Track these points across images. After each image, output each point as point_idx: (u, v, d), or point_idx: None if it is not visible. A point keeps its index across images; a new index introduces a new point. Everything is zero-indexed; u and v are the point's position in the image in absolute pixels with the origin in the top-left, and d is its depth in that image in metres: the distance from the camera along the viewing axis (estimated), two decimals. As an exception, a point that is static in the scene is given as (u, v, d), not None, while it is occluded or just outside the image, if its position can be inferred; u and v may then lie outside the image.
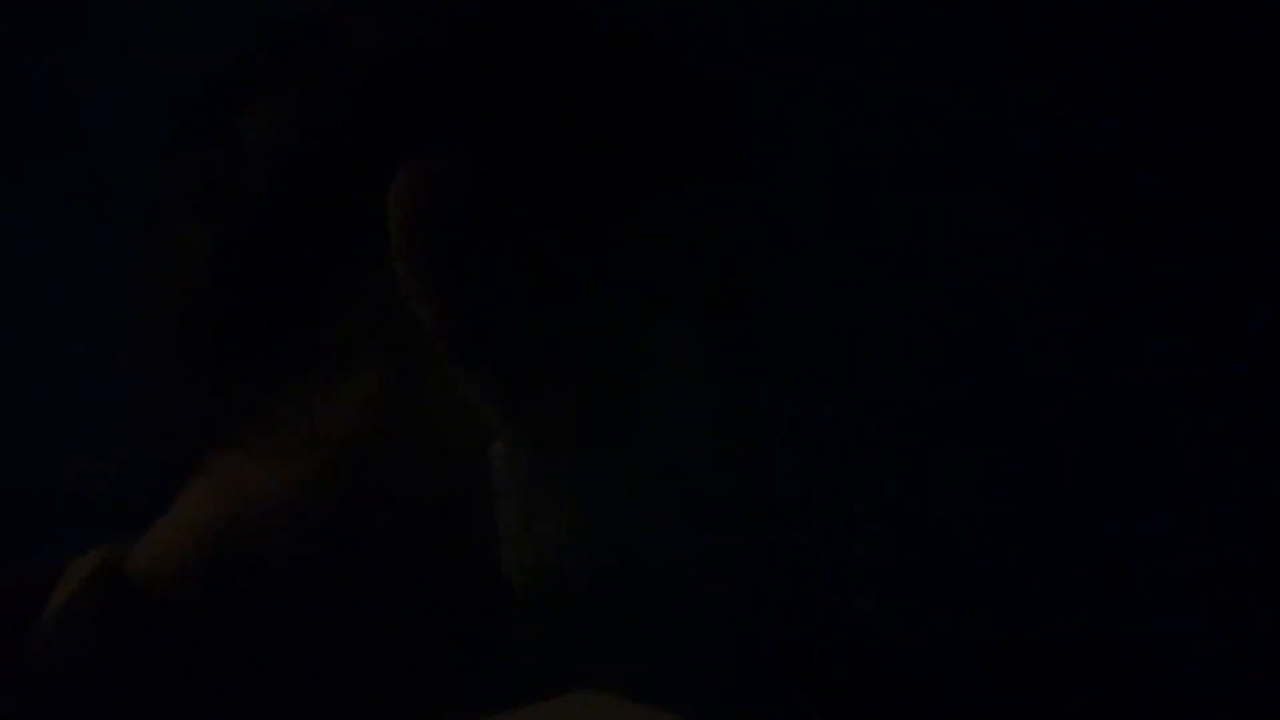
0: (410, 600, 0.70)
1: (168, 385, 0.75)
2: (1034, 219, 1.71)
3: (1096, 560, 1.35)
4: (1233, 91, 1.59)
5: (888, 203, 1.92)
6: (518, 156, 0.70)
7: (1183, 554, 1.42)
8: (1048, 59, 1.68)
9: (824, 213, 1.96)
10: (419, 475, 0.71)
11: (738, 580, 0.77)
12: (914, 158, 1.83)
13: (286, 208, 0.73)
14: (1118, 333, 1.66)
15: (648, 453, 0.72)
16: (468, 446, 0.70)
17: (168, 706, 0.65)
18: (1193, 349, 1.57)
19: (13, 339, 1.51)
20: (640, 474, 0.72)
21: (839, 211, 1.98)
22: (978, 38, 1.68)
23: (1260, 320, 1.59)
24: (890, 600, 1.52)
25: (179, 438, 0.75)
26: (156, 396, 0.76)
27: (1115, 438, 1.54)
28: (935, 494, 1.56)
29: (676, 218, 0.74)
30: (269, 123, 0.73)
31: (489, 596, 0.69)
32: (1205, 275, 1.62)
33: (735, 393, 0.77)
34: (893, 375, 1.79)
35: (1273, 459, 1.50)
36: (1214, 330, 1.60)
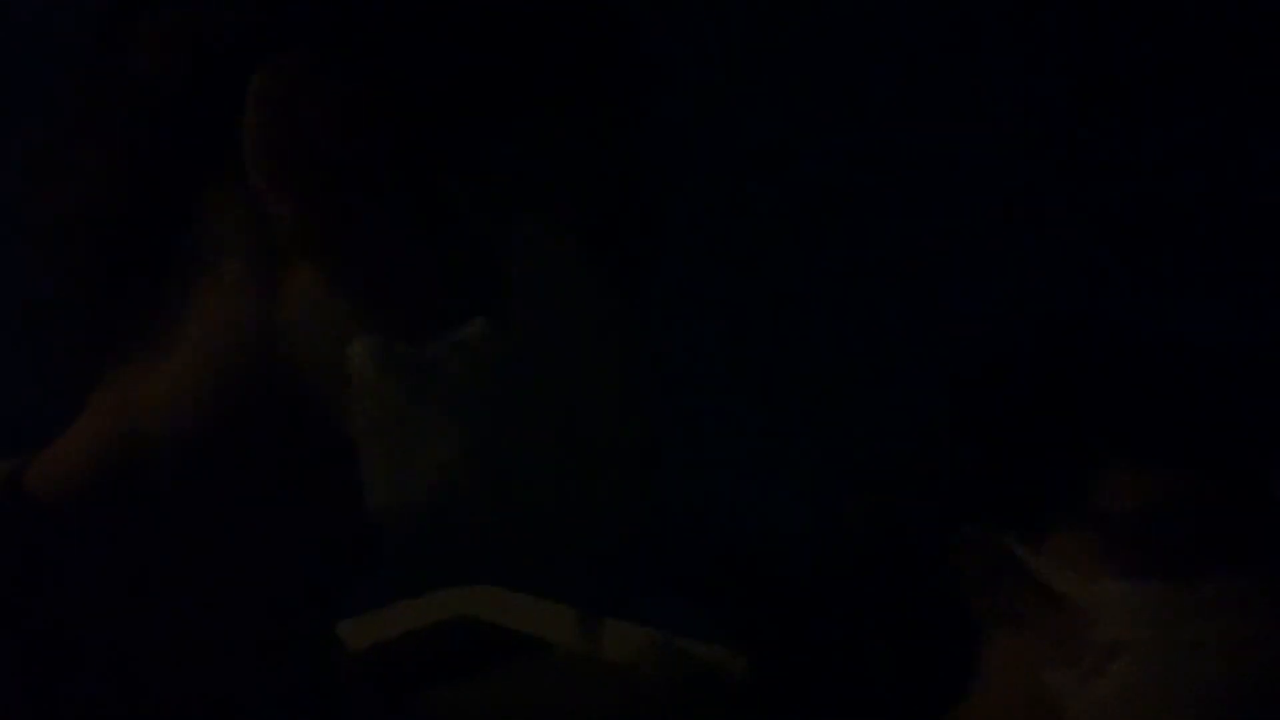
0: (280, 507, 0.72)
1: (62, 302, 0.76)
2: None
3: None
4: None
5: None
6: (374, 57, 0.70)
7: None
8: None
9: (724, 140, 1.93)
10: (285, 379, 0.71)
11: (624, 507, 0.77)
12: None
13: (162, 121, 0.72)
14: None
15: (523, 362, 0.71)
16: (328, 346, 0.71)
17: (65, 618, 0.68)
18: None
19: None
20: (511, 385, 0.71)
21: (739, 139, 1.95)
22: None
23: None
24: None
25: (75, 353, 0.76)
26: (51, 312, 0.77)
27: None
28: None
29: (558, 131, 0.73)
30: (147, 41, 0.73)
31: (354, 517, 0.72)
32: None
33: (625, 314, 0.76)
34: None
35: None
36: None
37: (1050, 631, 1.23)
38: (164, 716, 0.70)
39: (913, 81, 1.92)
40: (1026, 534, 1.24)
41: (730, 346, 2.06)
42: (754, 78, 2.02)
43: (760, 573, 1.40)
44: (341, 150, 0.69)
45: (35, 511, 0.71)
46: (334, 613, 0.81)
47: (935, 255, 1.93)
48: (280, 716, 0.75)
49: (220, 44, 0.71)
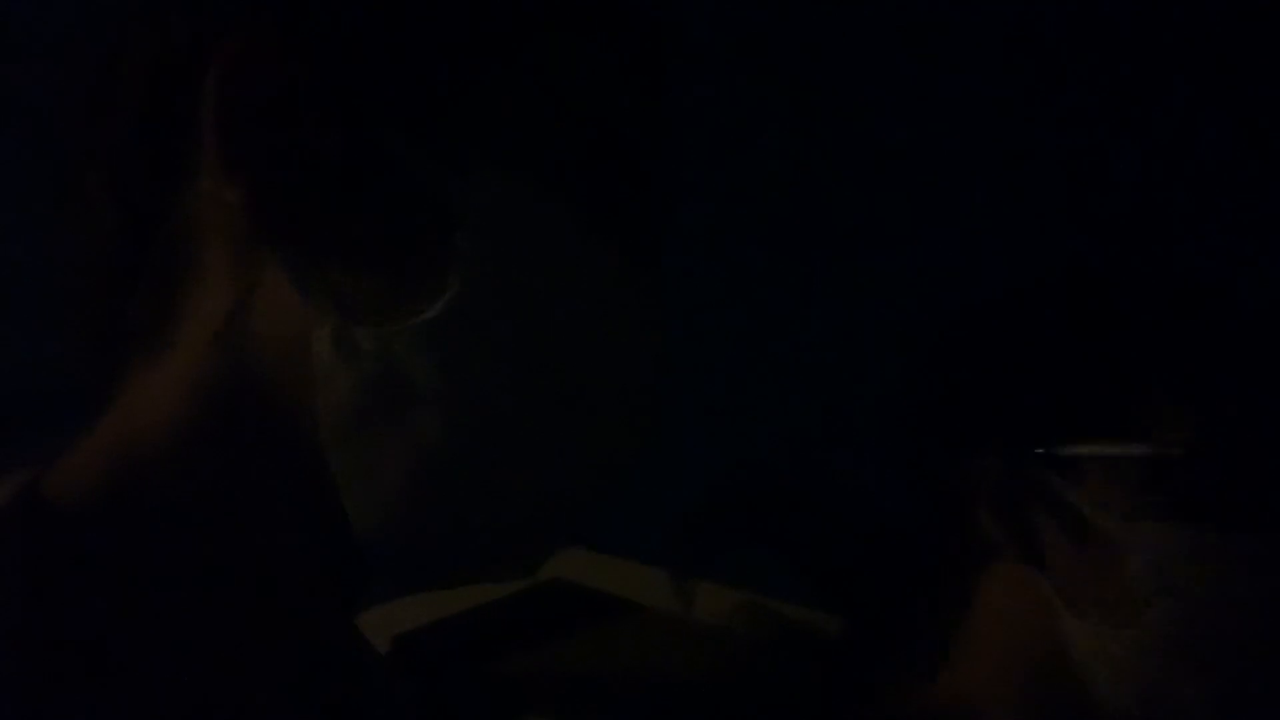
0: (274, 508, 0.72)
1: (78, 305, 0.77)
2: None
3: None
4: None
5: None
6: (325, 36, 0.69)
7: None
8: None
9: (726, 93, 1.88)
10: (259, 377, 0.71)
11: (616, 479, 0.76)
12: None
13: (135, 117, 0.73)
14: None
15: (497, 341, 0.70)
16: (294, 341, 0.70)
17: (85, 626, 0.67)
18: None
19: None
20: (485, 366, 0.69)
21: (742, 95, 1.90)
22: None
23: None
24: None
25: (88, 358, 0.76)
26: (69, 315, 0.77)
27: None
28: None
29: (536, 92, 0.71)
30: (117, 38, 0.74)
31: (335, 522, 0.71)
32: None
33: (623, 284, 0.74)
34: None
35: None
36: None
37: (1077, 574, 1.18)
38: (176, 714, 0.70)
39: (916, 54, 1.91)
40: (1060, 466, 1.18)
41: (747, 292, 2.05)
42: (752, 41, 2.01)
43: (837, 522, 1.40)
44: (288, 130, 0.68)
45: (54, 520, 0.70)
46: (349, 610, 0.80)
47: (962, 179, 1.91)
48: (297, 716, 0.75)
49: (180, 38, 0.71)
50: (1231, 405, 1.18)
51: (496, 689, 1.73)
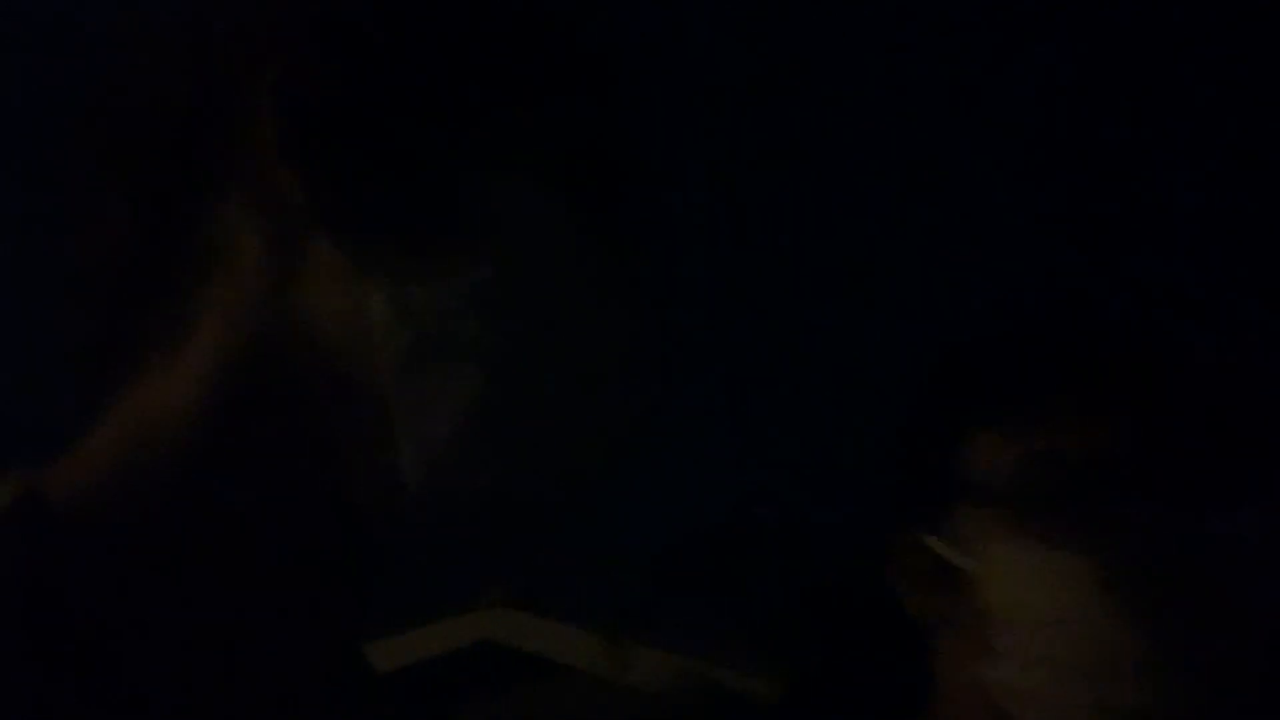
0: (309, 491, 0.72)
1: (84, 306, 0.77)
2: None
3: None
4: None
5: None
6: (371, 55, 0.74)
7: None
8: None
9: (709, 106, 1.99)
10: (306, 355, 0.72)
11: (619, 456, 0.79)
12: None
13: (165, 115, 0.74)
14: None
15: (520, 311, 0.74)
16: (349, 312, 0.72)
17: (92, 626, 0.68)
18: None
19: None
20: (515, 332, 0.73)
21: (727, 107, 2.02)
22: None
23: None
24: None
25: (89, 361, 0.76)
26: (71, 318, 0.77)
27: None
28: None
29: (548, 107, 0.76)
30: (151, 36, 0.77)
31: (386, 481, 0.71)
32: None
33: (617, 270, 0.78)
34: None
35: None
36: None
37: (973, 620, 1.20)
38: (180, 711, 0.68)
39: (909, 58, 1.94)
40: (936, 525, 1.22)
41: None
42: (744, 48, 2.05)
43: (783, 579, 1.40)
44: (343, 122, 0.71)
45: (59, 522, 0.70)
46: (359, 621, 0.80)
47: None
48: None
49: (218, 50, 0.72)
50: (1039, 429, 1.23)
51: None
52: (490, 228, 0.73)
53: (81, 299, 0.75)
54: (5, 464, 0.72)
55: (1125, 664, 1.09)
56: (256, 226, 0.72)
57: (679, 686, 1.56)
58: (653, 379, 0.79)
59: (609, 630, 1.41)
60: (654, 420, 0.80)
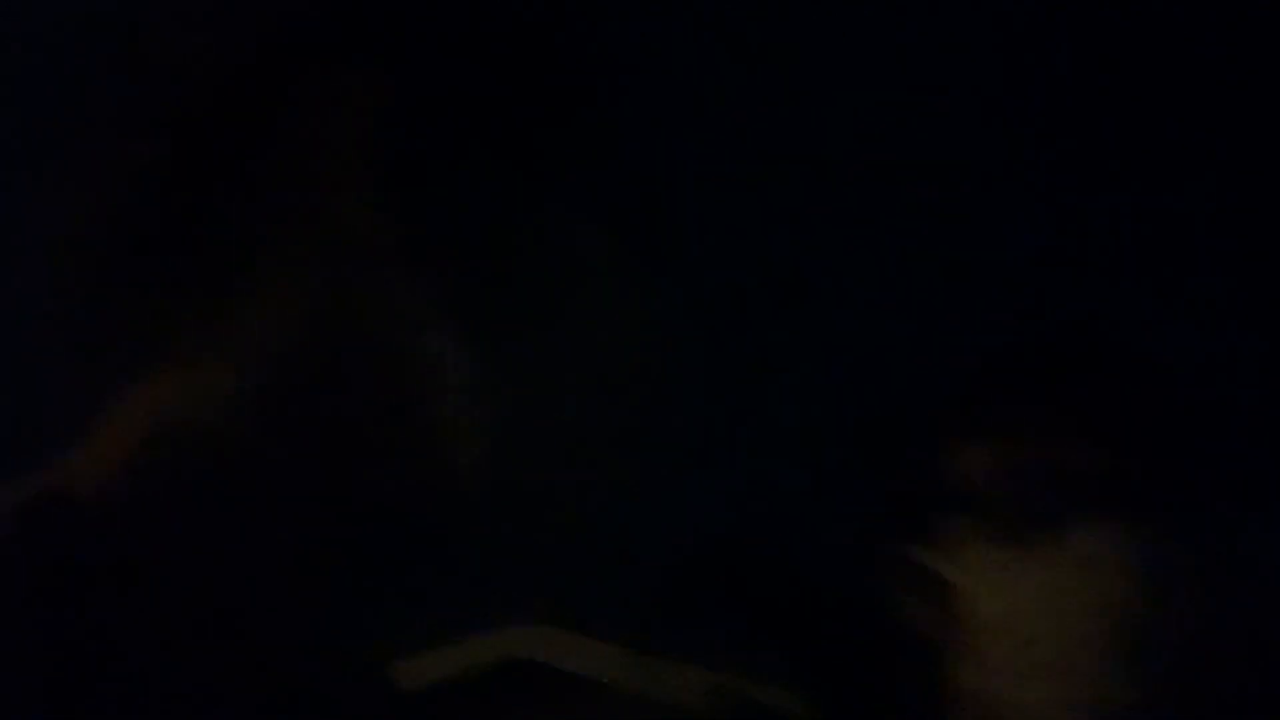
0: (352, 508, 0.74)
1: (92, 304, 0.77)
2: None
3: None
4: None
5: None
6: (448, 74, 0.75)
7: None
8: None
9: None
10: (355, 376, 0.74)
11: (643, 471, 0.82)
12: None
13: (201, 124, 0.76)
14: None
15: (574, 346, 0.77)
16: (404, 342, 0.75)
17: (117, 618, 0.69)
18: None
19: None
20: (567, 366, 0.77)
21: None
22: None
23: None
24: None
25: (99, 355, 0.77)
26: (79, 314, 0.77)
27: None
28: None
29: (590, 136, 0.79)
30: (184, 43, 0.76)
31: (436, 491, 0.75)
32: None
33: (643, 289, 0.81)
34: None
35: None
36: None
37: (966, 632, 1.21)
38: (204, 713, 0.71)
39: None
40: (924, 536, 1.23)
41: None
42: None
43: (808, 596, 1.41)
44: (426, 153, 0.73)
45: (83, 514, 0.71)
46: (380, 629, 0.80)
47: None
48: None
49: (269, 51, 0.74)
50: (1018, 434, 1.22)
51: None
52: (544, 254, 0.76)
53: (104, 286, 0.76)
54: (21, 455, 0.74)
55: (1121, 673, 1.10)
56: (305, 240, 0.73)
57: (711, 701, 1.56)
58: (661, 389, 0.81)
59: (641, 645, 1.41)
60: (661, 430, 0.82)
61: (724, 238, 2.00)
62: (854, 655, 1.34)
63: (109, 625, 0.68)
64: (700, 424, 2.03)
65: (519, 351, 0.75)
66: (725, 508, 1.92)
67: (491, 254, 0.74)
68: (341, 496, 0.74)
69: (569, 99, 0.78)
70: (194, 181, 0.74)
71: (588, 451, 0.77)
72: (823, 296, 1.95)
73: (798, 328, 1.97)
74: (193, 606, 0.71)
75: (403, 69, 0.73)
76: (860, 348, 1.83)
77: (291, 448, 0.73)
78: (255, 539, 0.73)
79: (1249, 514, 1.20)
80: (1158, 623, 1.17)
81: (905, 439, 1.28)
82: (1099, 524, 1.19)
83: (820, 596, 1.35)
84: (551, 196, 0.77)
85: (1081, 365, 1.29)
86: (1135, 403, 1.27)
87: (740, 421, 2.02)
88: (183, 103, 0.75)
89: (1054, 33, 1.84)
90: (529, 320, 0.76)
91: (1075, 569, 1.19)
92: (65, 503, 0.71)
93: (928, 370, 1.32)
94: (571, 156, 0.78)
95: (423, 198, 0.73)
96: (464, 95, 0.74)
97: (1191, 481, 1.23)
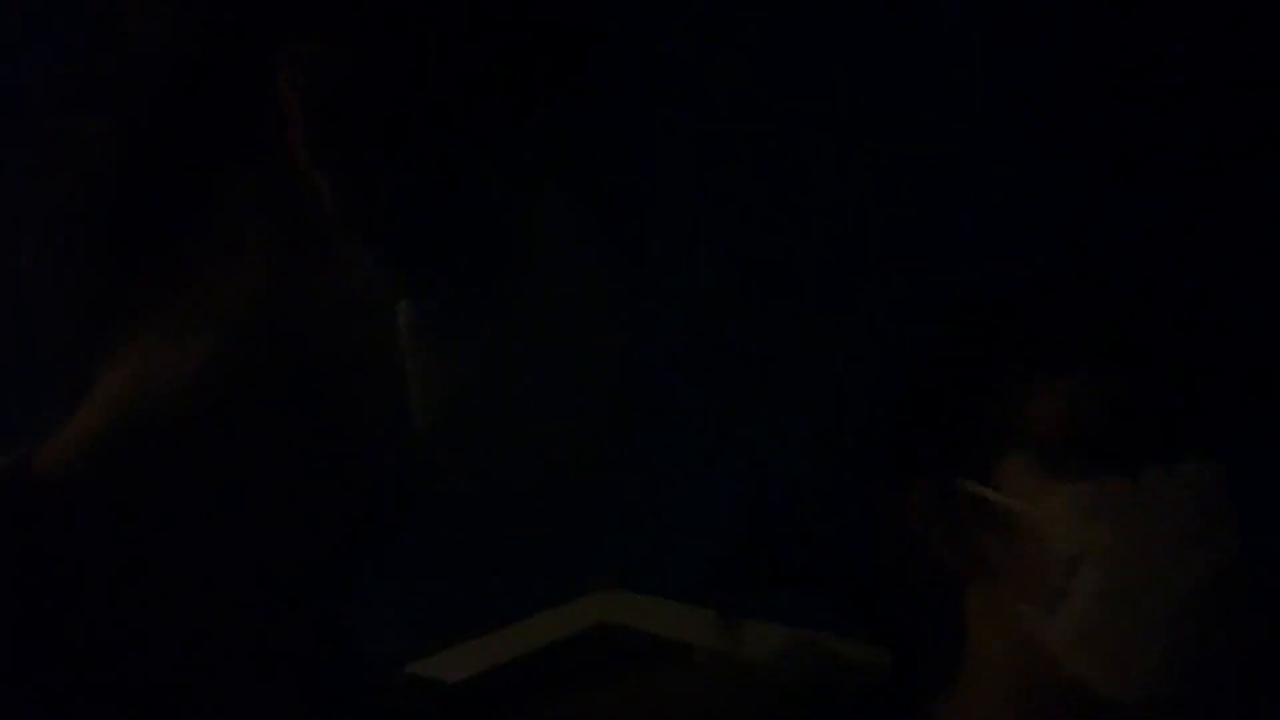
0: (314, 476, 0.74)
1: (66, 279, 0.77)
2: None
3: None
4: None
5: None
6: (390, 44, 0.73)
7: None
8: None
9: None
10: (319, 342, 0.74)
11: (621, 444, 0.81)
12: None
13: (172, 97, 0.75)
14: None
15: (537, 316, 0.76)
16: (366, 309, 0.73)
17: (76, 597, 0.68)
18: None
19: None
20: (530, 337, 0.75)
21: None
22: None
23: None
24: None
25: (75, 332, 0.77)
26: (53, 291, 0.77)
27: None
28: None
29: (550, 103, 0.77)
30: (151, 17, 0.76)
31: (394, 455, 0.74)
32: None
33: (610, 261, 0.79)
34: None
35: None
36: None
37: (1016, 568, 1.22)
38: (170, 698, 0.70)
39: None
40: (975, 471, 1.24)
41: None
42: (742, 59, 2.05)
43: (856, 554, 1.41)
44: (378, 129, 0.72)
45: (45, 492, 0.71)
46: (342, 609, 0.80)
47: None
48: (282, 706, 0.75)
49: (231, 28, 0.73)
50: (1094, 371, 1.23)
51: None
52: (508, 231, 0.74)
53: (71, 276, 0.76)
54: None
55: (1191, 603, 1.10)
56: (267, 218, 0.73)
57: (792, 657, 1.58)
58: (643, 378, 0.81)
59: (720, 605, 1.42)
60: (649, 417, 0.81)
61: (746, 190, 2.00)
62: (912, 604, 1.34)
63: (72, 602, 0.68)
64: (749, 390, 2.04)
65: (504, 330, 0.74)
66: (779, 471, 1.93)
67: (471, 238, 0.73)
68: (299, 481, 0.73)
69: (545, 74, 0.77)
70: (151, 160, 0.74)
71: (567, 440, 0.76)
72: (845, 239, 1.95)
73: (833, 276, 1.97)
74: (158, 586, 0.71)
75: (361, 42, 0.72)
76: (901, 289, 1.84)
77: (260, 428, 0.72)
78: (224, 523, 0.72)
79: None
80: (1228, 563, 1.17)
81: (943, 374, 1.30)
82: (1169, 457, 1.19)
83: (871, 549, 1.35)
84: (539, 181, 0.76)
85: (1134, 302, 1.29)
86: (1193, 342, 1.27)
87: (785, 380, 2.02)
88: (139, 79, 0.75)
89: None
90: (511, 296, 0.74)
91: (1158, 510, 1.18)
92: (28, 483, 0.71)
93: (976, 299, 1.31)
94: (544, 137, 0.76)
95: (408, 191, 0.72)
96: (429, 68, 0.73)
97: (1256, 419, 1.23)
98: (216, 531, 0.72)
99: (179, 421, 0.72)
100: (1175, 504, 1.17)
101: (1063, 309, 1.28)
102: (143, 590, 0.70)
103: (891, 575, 1.31)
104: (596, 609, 1.30)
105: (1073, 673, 1.18)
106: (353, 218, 0.71)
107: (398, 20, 0.73)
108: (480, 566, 0.81)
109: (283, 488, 0.73)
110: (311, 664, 0.77)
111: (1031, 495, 1.18)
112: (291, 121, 0.70)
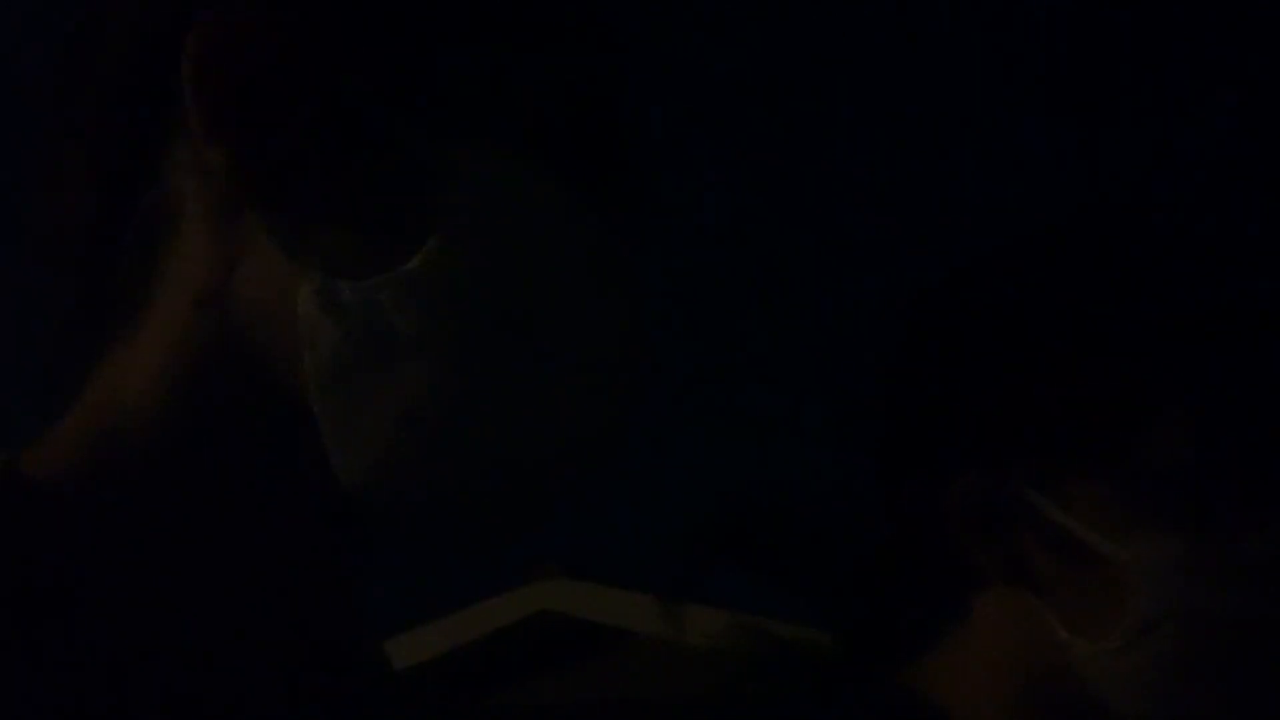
0: (254, 481, 0.74)
1: (56, 291, 0.77)
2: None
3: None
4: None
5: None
6: (311, 11, 0.71)
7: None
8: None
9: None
10: (243, 343, 0.72)
11: (619, 447, 0.79)
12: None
13: (117, 86, 0.74)
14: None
15: (480, 295, 0.71)
16: (278, 301, 0.71)
17: (63, 599, 0.69)
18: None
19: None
20: (468, 321, 0.71)
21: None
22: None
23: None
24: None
25: (67, 340, 0.77)
26: (44, 293, 0.78)
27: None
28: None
29: (513, 70, 0.73)
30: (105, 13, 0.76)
31: (329, 486, 0.72)
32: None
33: (604, 249, 0.76)
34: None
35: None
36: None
37: (1073, 595, 1.16)
38: (161, 699, 0.70)
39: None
40: (1044, 483, 1.16)
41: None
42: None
43: (825, 542, 1.40)
44: (269, 95, 0.70)
45: (31, 494, 0.71)
46: (338, 599, 0.80)
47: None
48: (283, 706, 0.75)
49: (159, 5, 0.73)
50: (1230, 411, 1.13)
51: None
52: (429, 214, 0.70)
53: (50, 276, 0.77)
54: None
55: (1241, 666, 1.05)
56: (198, 199, 0.72)
57: (736, 642, 1.59)
58: (635, 369, 0.77)
59: (663, 592, 1.43)
60: (636, 414, 0.78)
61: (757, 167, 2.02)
62: (881, 593, 1.32)
63: (60, 605, 0.68)
64: (723, 371, 2.07)
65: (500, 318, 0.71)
66: (746, 455, 1.96)
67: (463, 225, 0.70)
68: (270, 475, 0.73)
69: (508, 31, 0.74)
70: (113, 150, 0.74)
71: (525, 444, 0.73)
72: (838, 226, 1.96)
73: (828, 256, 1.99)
74: (143, 588, 0.71)
75: (257, 11, 0.70)
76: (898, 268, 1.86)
77: (216, 426, 0.72)
78: (211, 522, 0.72)
79: None
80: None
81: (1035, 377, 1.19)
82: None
83: (846, 537, 1.33)
84: (489, 155, 0.72)
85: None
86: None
87: (765, 359, 2.05)
88: (104, 65, 0.74)
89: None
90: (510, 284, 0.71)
91: (1260, 581, 1.11)
92: (18, 486, 0.72)
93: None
94: (517, 104, 0.73)
95: (313, 165, 0.71)
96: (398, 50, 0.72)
97: None
98: (205, 531, 0.72)
99: (152, 421, 0.72)
100: (1264, 579, 1.10)
101: (1171, 333, 1.17)
102: (133, 592, 0.71)
103: (891, 562, 1.28)
104: (540, 597, 1.30)
105: (1110, 705, 1.14)
106: (243, 191, 0.70)
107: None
108: (426, 556, 0.81)
109: (265, 484, 0.73)
110: (310, 662, 0.77)
111: (1118, 535, 1.12)
112: (185, 89, 0.70)
